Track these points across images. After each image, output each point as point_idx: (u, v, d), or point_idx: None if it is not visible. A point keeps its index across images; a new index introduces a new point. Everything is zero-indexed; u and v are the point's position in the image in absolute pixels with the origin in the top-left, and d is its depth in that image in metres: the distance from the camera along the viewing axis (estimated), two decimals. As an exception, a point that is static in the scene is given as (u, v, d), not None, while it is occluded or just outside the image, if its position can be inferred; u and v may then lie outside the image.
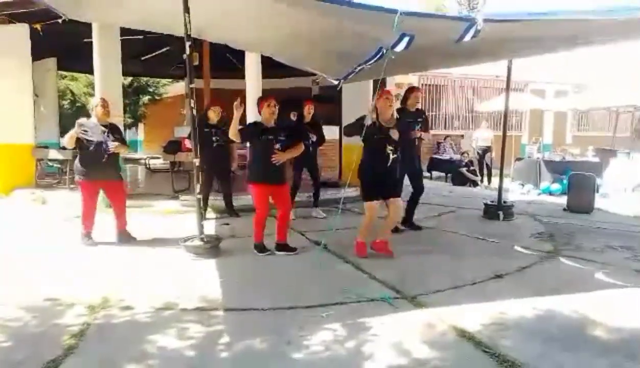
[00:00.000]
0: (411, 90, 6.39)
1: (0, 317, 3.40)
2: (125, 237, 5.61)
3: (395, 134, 4.85)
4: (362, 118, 4.93)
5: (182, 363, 2.87)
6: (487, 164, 12.44)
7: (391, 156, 4.87)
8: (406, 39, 3.83)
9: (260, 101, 5.17)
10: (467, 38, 3.62)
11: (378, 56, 4.85)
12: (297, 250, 5.20)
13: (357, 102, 9.11)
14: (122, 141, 5.61)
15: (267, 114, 5.06)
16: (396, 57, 4.11)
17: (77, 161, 5.42)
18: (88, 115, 5.56)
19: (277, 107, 5.07)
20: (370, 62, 5.21)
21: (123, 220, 5.64)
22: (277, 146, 4.99)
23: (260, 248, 5.16)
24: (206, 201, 6.95)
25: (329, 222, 6.73)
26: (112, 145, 5.32)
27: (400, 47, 3.91)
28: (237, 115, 4.89)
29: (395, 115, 5.04)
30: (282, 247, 5.20)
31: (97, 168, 5.32)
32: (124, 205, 5.64)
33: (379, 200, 5.00)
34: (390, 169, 4.93)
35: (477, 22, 3.56)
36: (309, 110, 6.93)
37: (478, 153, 12.48)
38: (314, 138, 6.95)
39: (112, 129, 5.48)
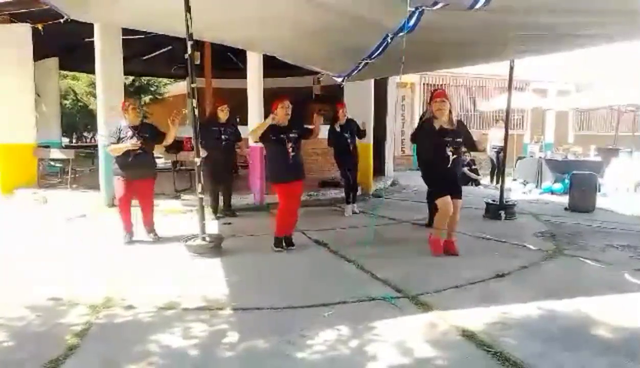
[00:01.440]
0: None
1: (3, 316, 3.41)
2: (153, 234, 5.73)
3: (458, 141, 4.97)
4: (424, 120, 5.05)
5: (185, 362, 2.87)
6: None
7: (451, 157, 4.99)
8: (414, 18, 3.76)
9: (274, 102, 5.27)
10: (479, 5, 3.56)
11: (383, 46, 4.81)
12: (294, 246, 5.36)
13: (359, 102, 9.11)
14: (153, 138, 5.64)
15: (281, 114, 5.14)
16: (400, 54, 4.07)
17: (115, 162, 5.52)
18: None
19: (290, 108, 5.17)
20: (374, 55, 5.19)
21: (149, 217, 5.74)
22: (291, 144, 5.11)
23: (279, 242, 5.26)
24: (216, 197, 7.04)
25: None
26: (133, 145, 5.36)
27: (405, 30, 3.87)
28: (269, 121, 5.08)
29: (455, 118, 5.15)
30: (288, 240, 5.36)
31: (131, 167, 5.42)
32: (150, 203, 5.76)
33: (449, 196, 5.05)
34: (451, 170, 5.06)
35: None
36: (343, 112, 7.26)
37: (493, 153, 12.28)
38: (349, 138, 7.26)
39: (143, 128, 5.57)
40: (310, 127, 5.50)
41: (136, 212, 5.67)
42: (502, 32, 4.46)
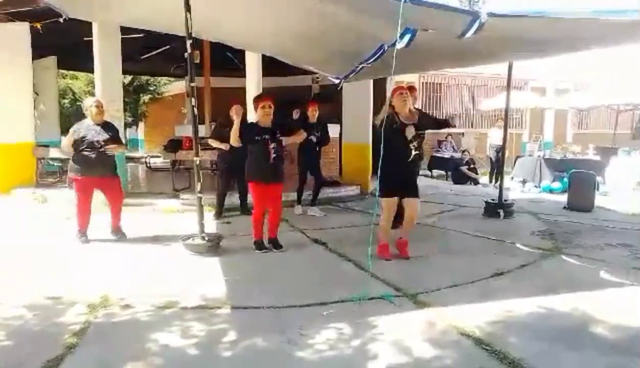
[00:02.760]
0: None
1: (1, 315, 3.41)
2: (117, 234, 5.64)
3: (410, 131, 4.76)
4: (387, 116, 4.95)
5: (184, 361, 2.87)
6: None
7: (413, 152, 4.82)
8: (407, 36, 3.81)
9: (255, 101, 5.23)
10: (470, 33, 3.59)
11: (379, 54, 4.84)
12: (283, 248, 5.24)
13: (357, 101, 9.12)
14: (117, 139, 5.57)
15: (261, 115, 5.10)
16: (398, 56, 4.09)
17: (71, 160, 5.47)
18: (83, 116, 5.56)
19: (271, 109, 5.10)
20: (370, 61, 5.21)
21: (117, 217, 5.65)
22: (273, 145, 5.04)
23: (259, 245, 5.20)
24: (223, 199, 7.05)
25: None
26: (102, 141, 5.31)
27: (401, 45, 3.90)
28: (237, 121, 5.05)
29: (414, 109, 4.94)
30: (274, 242, 5.28)
31: (90, 165, 5.34)
32: (119, 202, 5.66)
33: (396, 197, 4.96)
34: (410, 165, 4.92)
35: (481, 16, 3.53)
36: (313, 111, 7.14)
37: (493, 152, 12.29)
38: (315, 138, 7.08)
39: (106, 127, 5.48)
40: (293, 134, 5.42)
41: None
42: (501, 44, 4.48)
